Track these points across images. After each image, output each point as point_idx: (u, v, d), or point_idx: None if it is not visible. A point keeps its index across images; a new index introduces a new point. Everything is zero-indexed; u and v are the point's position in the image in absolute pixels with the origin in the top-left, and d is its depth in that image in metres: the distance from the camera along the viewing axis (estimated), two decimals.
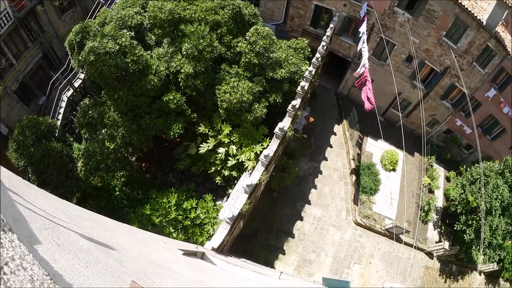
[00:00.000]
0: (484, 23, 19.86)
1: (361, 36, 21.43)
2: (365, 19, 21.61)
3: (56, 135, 19.16)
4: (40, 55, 24.04)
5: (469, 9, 19.67)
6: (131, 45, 15.90)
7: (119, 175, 19.61)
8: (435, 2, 20.43)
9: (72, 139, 22.12)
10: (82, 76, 23.00)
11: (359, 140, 26.46)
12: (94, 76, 16.01)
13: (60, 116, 22.10)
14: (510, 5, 18.97)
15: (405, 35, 22.60)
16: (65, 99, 22.45)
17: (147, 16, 17.23)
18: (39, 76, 24.46)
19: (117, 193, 19.75)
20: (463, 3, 19.58)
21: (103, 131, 17.92)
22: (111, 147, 17.63)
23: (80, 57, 15.57)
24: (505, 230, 19.86)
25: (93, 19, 19.77)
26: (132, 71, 16.04)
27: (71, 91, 23.11)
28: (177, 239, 16.01)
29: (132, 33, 16.45)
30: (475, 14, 19.74)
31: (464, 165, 24.07)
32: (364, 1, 21.85)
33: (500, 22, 20.40)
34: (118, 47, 15.31)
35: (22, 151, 16.88)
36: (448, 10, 20.42)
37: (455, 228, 22.03)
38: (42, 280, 1.86)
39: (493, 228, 19.72)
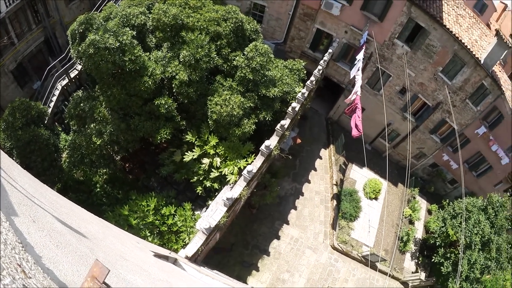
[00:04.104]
0: (482, 62, 20.15)
1: (356, 63, 21.85)
2: (363, 47, 22.12)
3: (46, 122, 18.97)
4: (42, 39, 23.84)
5: (468, 46, 19.90)
6: (131, 44, 16.05)
7: (102, 171, 19.46)
8: (436, 38, 20.69)
9: (60, 129, 21.89)
10: (79, 67, 22.90)
11: (343, 166, 26.74)
12: (90, 69, 16.08)
13: (51, 104, 21.87)
14: (510, 45, 19.18)
15: (402, 67, 22.89)
16: (59, 87, 22.28)
17: (151, 18, 17.44)
18: (37, 60, 24.21)
19: (98, 189, 19.57)
20: (463, 41, 19.88)
21: (92, 125, 17.86)
22: (98, 142, 17.56)
23: (80, 48, 15.62)
24: (483, 265, 19.91)
25: (99, 12, 19.89)
26: (128, 70, 16.15)
27: (66, 80, 22.95)
28: (151, 243, 15.87)
29: (134, 33, 16.62)
30: (473, 52, 20.02)
31: (447, 199, 24.16)
32: (365, 30, 22.30)
33: (498, 62, 20.68)
34: (118, 44, 15.45)
35: (10, 133, 16.74)
36: (448, 47, 20.66)
37: (432, 260, 22.11)
38: (14, 245, 1.94)
39: (472, 262, 19.79)
